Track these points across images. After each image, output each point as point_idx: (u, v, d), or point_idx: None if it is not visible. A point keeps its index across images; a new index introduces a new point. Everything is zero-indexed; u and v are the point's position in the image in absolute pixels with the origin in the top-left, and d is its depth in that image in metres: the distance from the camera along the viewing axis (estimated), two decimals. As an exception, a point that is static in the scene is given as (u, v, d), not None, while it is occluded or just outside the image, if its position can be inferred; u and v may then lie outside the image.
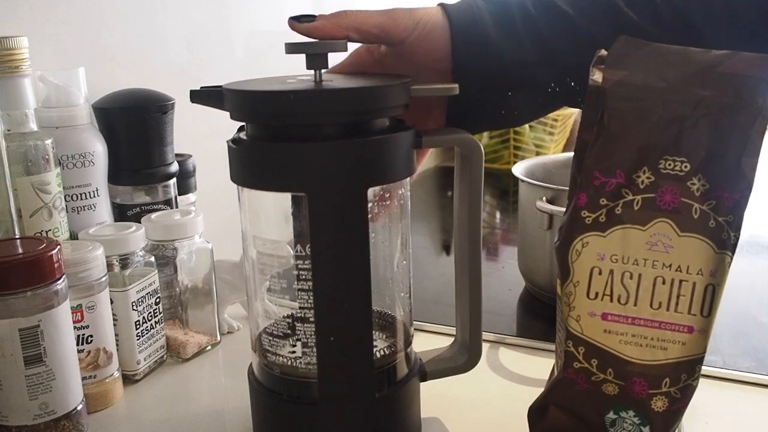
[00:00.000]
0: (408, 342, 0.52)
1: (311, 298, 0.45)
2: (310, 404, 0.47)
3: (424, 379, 0.52)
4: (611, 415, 0.45)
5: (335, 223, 0.43)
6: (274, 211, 0.50)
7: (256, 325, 0.51)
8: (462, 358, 0.53)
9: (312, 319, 0.45)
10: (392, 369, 0.51)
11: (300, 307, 0.46)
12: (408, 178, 0.48)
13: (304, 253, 0.45)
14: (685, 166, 0.41)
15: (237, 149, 0.45)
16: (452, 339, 0.55)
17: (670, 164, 0.41)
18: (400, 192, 0.49)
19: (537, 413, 0.49)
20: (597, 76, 0.43)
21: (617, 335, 0.44)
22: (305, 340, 0.47)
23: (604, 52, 0.44)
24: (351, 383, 0.46)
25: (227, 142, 0.46)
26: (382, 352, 0.49)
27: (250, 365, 0.52)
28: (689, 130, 0.41)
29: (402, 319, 0.51)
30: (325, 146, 0.43)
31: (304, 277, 0.45)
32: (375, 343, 0.47)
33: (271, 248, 0.48)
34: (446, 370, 0.53)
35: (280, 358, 0.48)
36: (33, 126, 0.58)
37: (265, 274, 0.48)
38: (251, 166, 0.45)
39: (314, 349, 0.46)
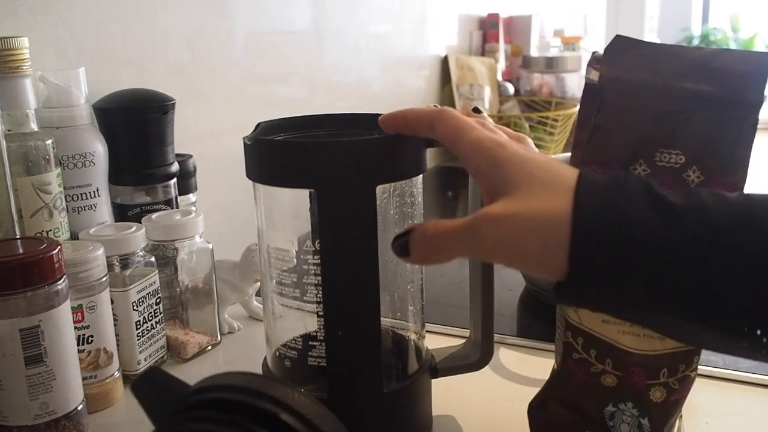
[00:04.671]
0: (419, 338, 0.52)
1: (320, 292, 0.46)
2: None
3: (435, 375, 0.52)
4: (610, 408, 0.45)
5: (344, 220, 0.44)
6: (287, 207, 0.50)
7: (271, 321, 0.51)
8: (474, 356, 0.54)
9: (321, 314, 0.46)
10: (402, 364, 0.51)
11: (310, 302, 0.47)
12: (420, 176, 0.49)
13: (314, 249, 0.45)
14: (680, 158, 0.41)
15: (251, 146, 0.46)
16: (452, 338, 0.55)
17: (665, 156, 0.42)
18: (411, 190, 0.49)
19: (536, 408, 0.49)
20: (593, 74, 0.44)
21: (615, 325, 0.44)
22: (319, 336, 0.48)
23: (599, 52, 0.44)
24: (359, 377, 0.47)
25: (243, 139, 0.46)
26: (391, 349, 0.50)
27: (264, 358, 0.53)
28: (683, 124, 0.41)
29: (413, 316, 0.52)
30: (335, 143, 0.44)
31: (314, 272, 0.46)
32: (385, 339, 0.47)
33: (284, 244, 0.48)
34: (458, 368, 0.54)
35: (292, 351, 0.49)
36: (33, 126, 0.58)
37: (278, 268, 0.49)
38: (264, 163, 0.46)
39: (323, 344, 0.46)
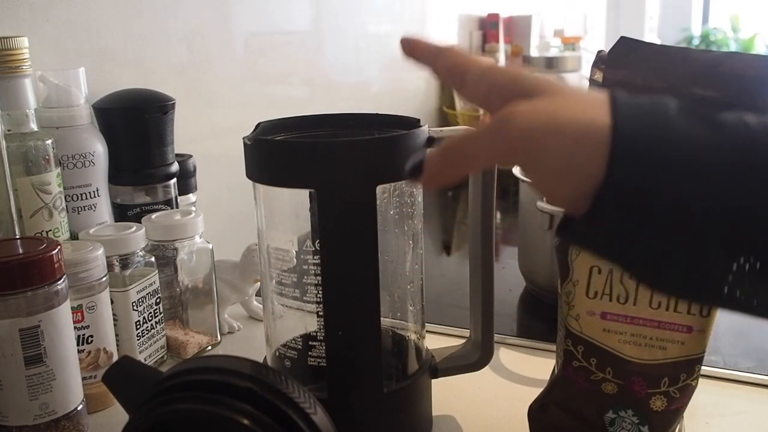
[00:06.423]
0: (419, 338, 0.52)
1: (320, 292, 0.46)
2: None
3: (435, 375, 0.52)
4: (610, 414, 0.45)
5: (344, 220, 0.44)
6: (287, 207, 0.50)
7: (271, 321, 0.51)
8: (474, 356, 0.54)
9: (321, 314, 0.46)
10: (402, 364, 0.51)
11: (310, 302, 0.47)
12: None
13: (314, 249, 0.46)
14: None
15: (251, 146, 0.46)
16: (452, 338, 0.55)
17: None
18: (411, 190, 0.49)
19: (537, 412, 0.49)
20: (597, 75, 0.43)
21: (616, 334, 0.44)
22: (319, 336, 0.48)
23: (604, 51, 0.44)
24: (359, 377, 0.47)
25: (243, 139, 0.46)
26: (391, 349, 0.50)
27: (264, 358, 0.53)
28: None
29: (413, 316, 0.52)
30: (336, 143, 0.44)
31: (314, 272, 0.46)
32: (386, 339, 0.48)
33: (284, 244, 0.48)
34: (458, 368, 0.54)
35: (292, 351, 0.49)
36: (33, 126, 0.58)
37: (278, 268, 0.49)
38: (264, 163, 0.46)
39: (323, 344, 0.46)
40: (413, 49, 0.40)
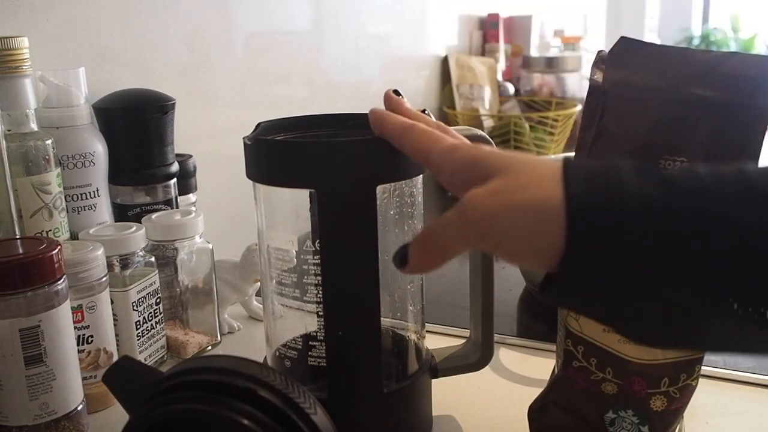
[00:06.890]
0: (419, 338, 0.52)
1: (320, 292, 0.46)
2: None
3: (435, 375, 0.52)
4: (610, 414, 0.45)
5: (345, 220, 0.44)
6: (287, 207, 0.51)
7: (271, 321, 0.51)
8: (474, 356, 0.54)
9: (321, 314, 0.46)
10: (402, 364, 0.51)
11: (310, 302, 0.47)
12: (420, 177, 0.49)
13: (314, 249, 0.46)
14: (685, 166, 0.41)
15: (251, 146, 0.46)
16: (452, 338, 0.55)
17: (669, 164, 0.41)
18: (411, 190, 0.49)
19: (537, 412, 0.49)
20: (598, 75, 0.43)
21: (616, 334, 0.44)
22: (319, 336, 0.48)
23: (604, 51, 0.44)
24: (359, 377, 0.47)
25: (243, 139, 0.46)
26: (391, 349, 0.50)
27: (264, 358, 0.53)
28: (689, 130, 0.41)
29: (413, 316, 0.52)
30: (336, 143, 0.44)
31: (314, 272, 0.46)
32: (386, 339, 0.48)
33: (284, 244, 0.48)
34: (458, 368, 0.54)
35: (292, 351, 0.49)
36: (33, 126, 0.58)
37: (278, 268, 0.49)
38: (264, 163, 0.46)
39: (323, 344, 0.46)
40: (381, 126, 0.43)
